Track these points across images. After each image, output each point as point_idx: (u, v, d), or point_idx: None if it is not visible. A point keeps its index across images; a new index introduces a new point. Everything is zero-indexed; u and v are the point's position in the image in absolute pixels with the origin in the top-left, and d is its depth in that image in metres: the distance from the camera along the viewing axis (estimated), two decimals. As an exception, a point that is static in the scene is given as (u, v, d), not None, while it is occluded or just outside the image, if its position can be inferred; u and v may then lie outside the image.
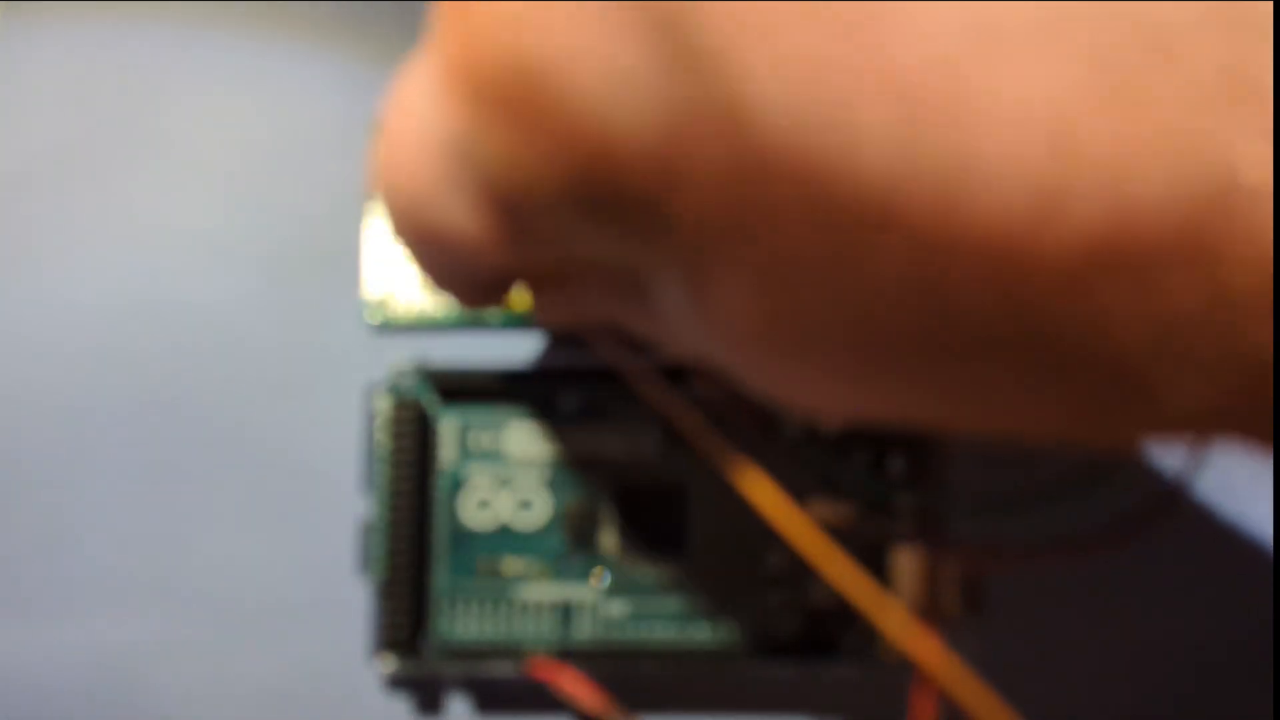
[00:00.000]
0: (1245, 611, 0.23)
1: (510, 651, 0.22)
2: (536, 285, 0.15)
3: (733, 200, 0.10)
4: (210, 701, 0.22)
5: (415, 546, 0.22)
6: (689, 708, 0.23)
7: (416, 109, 0.14)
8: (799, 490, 0.22)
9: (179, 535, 0.23)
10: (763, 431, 0.21)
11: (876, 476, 0.22)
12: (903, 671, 0.22)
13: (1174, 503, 0.19)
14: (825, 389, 0.12)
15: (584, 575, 0.22)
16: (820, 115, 0.09)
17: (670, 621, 0.22)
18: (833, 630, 0.22)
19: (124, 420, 0.23)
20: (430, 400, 0.22)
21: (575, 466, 0.22)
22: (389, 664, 0.21)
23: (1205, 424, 0.10)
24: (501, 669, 0.22)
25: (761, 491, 0.18)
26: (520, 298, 0.23)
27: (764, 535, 0.22)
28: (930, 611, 0.20)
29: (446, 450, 0.22)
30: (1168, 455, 0.21)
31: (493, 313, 0.23)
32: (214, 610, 0.23)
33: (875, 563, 0.22)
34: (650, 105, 0.10)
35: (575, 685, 0.21)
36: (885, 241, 0.09)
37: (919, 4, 0.08)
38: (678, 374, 0.21)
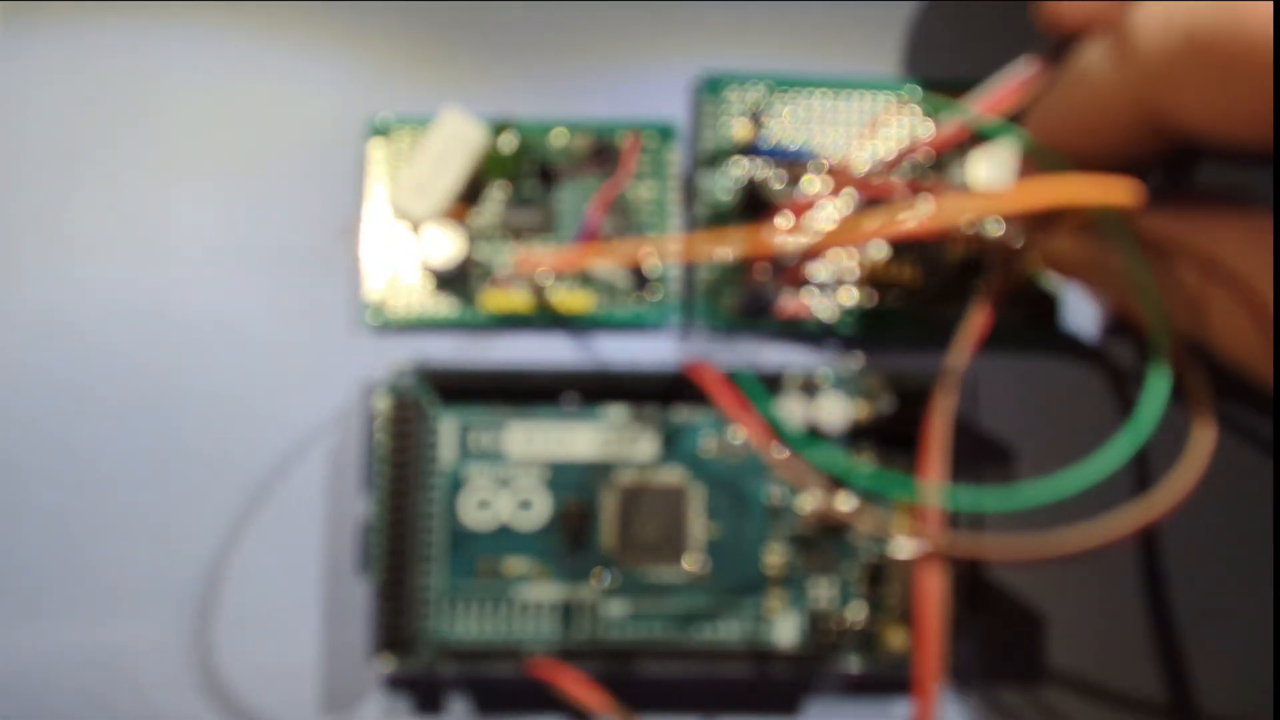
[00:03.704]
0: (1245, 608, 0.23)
1: (510, 651, 0.22)
2: None
3: None
4: (210, 700, 0.22)
5: (415, 547, 0.22)
6: (689, 708, 0.23)
7: None
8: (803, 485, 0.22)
9: (178, 535, 0.23)
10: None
11: (879, 473, 0.22)
12: (902, 671, 0.22)
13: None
14: None
15: (584, 575, 0.22)
16: None
17: (670, 621, 0.22)
18: (833, 630, 0.22)
19: (123, 421, 0.23)
20: (430, 400, 0.22)
21: (575, 467, 0.22)
22: (389, 664, 0.21)
23: None
24: (501, 669, 0.22)
25: None
26: (510, 299, 0.23)
27: (764, 535, 0.22)
28: (931, 609, 0.20)
29: (446, 450, 0.22)
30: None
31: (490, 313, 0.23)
32: (213, 610, 0.23)
33: (875, 562, 0.22)
34: None
35: (575, 685, 0.21)
36: None
37: None
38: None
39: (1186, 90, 0.17)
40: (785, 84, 0.23)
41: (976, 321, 0.22)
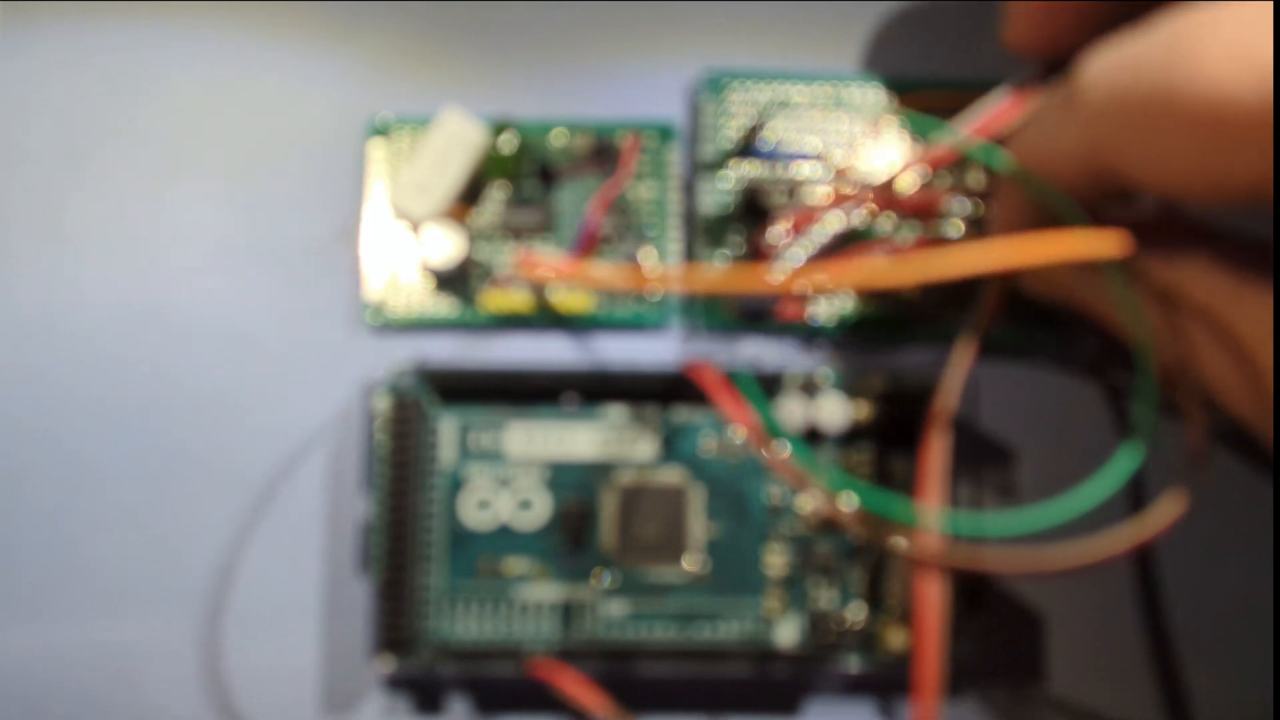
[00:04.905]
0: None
1: (510, 651, 0.22)
2: None
3: None
4: (210, 700, 0.22)
5: (415, 547, 0.22)
6: (689, 708, 0.23)
7: None
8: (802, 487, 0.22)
9: (178, 536, 0.23)
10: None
11: (877, 493, 0.22)
12: (902, 671, 0.22)
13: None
14: None
15: (584, 575, 0.22)
16: None
17: (670, 621, 0.22)
18: (833, 630, 0.22)
19: (122, 422, 0.23)
20: (430, 400, 0.22)
21: (575, 467, 0.22)
22: (389, 664, 0.21)
23: None
24: (501, 669, 0.22)
25: None
26: (510, 299, 0.23)
27: (764, 535, 0.22)
28: (930, 619, 0.20)
29: (446, 450, 0.22)
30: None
31: (490, 313, 0.23)
32: (213, 610, 0.23)
33: (875, 562, 0.22)
34: None
35: (575, 685, 0.21)
36: None
37: None
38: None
39: (1129, 145, 0.17)
40: (786, 82, 0.23)
41: (972, 337, 0.22)
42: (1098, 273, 0.19)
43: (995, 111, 0.21)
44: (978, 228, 0.23)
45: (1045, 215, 0.19)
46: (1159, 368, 0.19)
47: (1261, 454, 0.23)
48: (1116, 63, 0.17)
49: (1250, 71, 0.15)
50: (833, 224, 0.23)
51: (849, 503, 0.22)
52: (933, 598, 0.20)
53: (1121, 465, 0.19)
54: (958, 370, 0.21)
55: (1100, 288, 0.20)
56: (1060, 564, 0.20)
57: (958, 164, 0.23)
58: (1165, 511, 0.19)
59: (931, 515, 0.20)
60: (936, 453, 0.20)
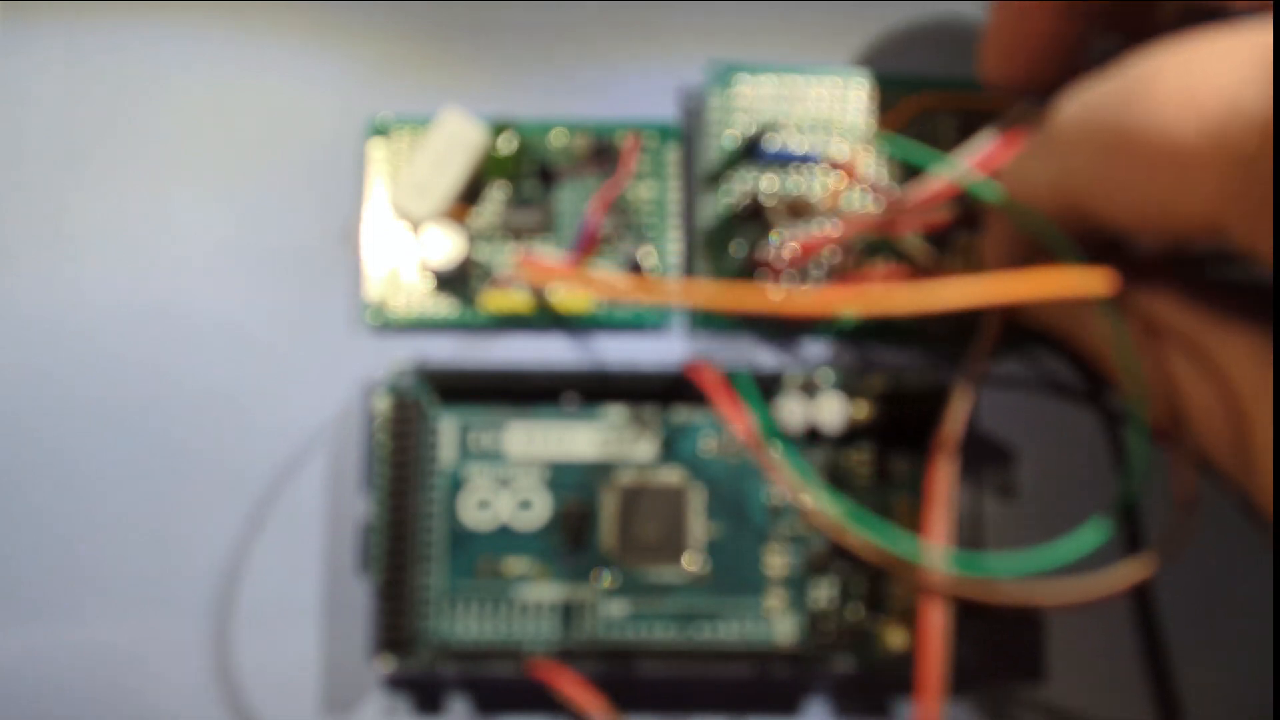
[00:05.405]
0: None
1: (510, 651, 0.22)
2: None
3: None
4: (209, 701, 0.22)
5: (415, 547, 0.22)
6: (689, 708, 0.23)
7: None
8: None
9: (178, 536, 0.23)
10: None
11: (879, 479, 0.22)
12: (902, 671, 0.22)
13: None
14: None
15: (584, 575, 0.22)
16: None
17: (670, 621, 0.22)
18: (832, 630, 0.22)
19: (122, 423, 0.23)
20: (430, 400, 0.22)
21: (575, 467, 0.22)
22: (389, 664, 0.21)
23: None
24: (501, 669, 0.22)
25: None
26: (510, 299, 0.23)
27: (764, 535, 0.22)
28: (934, 648, 0.20)
29: (446, 450, 0.22)
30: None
31: (490, 313, 0.23)
32: (213, 610, 0.23)
33: (873, 567, 0.22)
34: None
35: (575, 686, 0.21)
36: None
37: None
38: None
39: (1093, 183, 0.18)
40: (792, 75, 0.23)
41: (974, 366, 0.22)
42: (1089, 309, 0.20)
43: (990, 148, 0.21)
44: (973, 257, 0.23)
45: (1036, 250, 0.20)
46: (1150, 413, 0.19)
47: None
48: (1085, 103, 0.18)
49: (1194, 114, 0.16)
50: (833, 250, 0.23)
51: (841, 516, 0.21)
52: (936, 628, 0.20)
53: (1122, 498, 0.19)
54: (961, 401, 0.21)
55: (1091, 324, 0.20)
56: (1056, 600, 0.20)
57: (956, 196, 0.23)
58: (1167, 548, 0.19)
59: (935, 552, 0.20)
60: (943, 486, 0.20)
